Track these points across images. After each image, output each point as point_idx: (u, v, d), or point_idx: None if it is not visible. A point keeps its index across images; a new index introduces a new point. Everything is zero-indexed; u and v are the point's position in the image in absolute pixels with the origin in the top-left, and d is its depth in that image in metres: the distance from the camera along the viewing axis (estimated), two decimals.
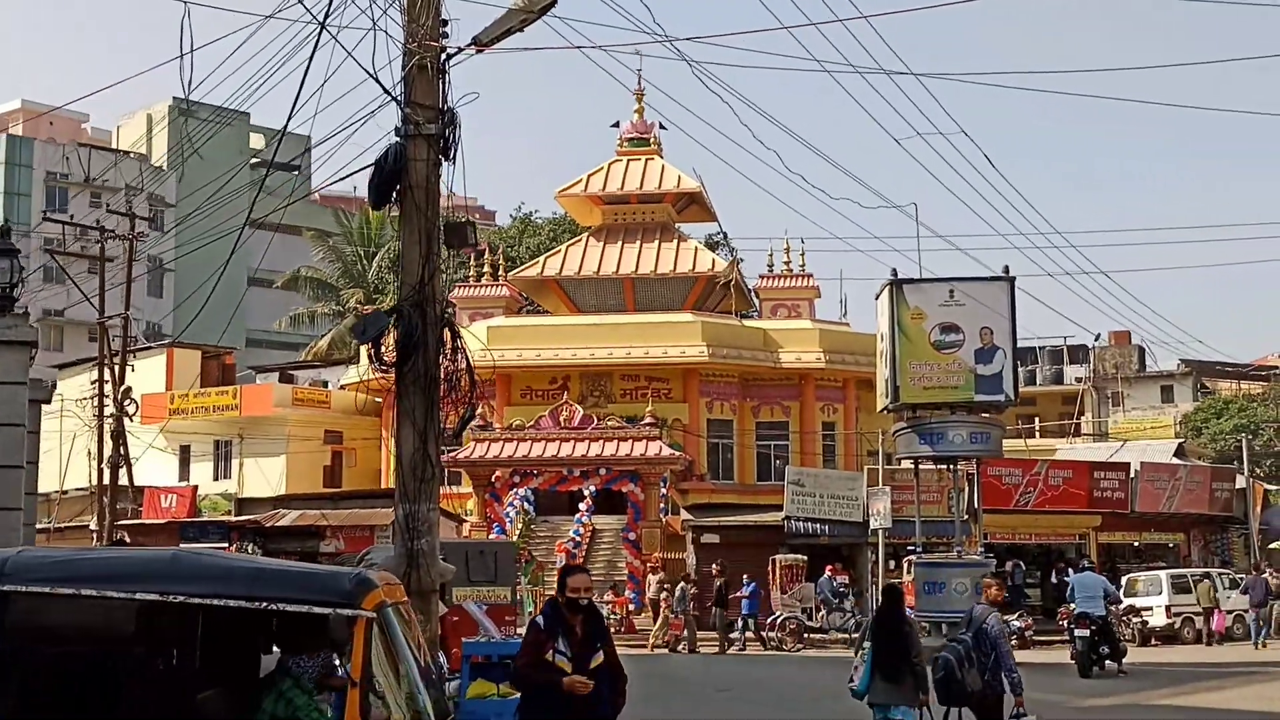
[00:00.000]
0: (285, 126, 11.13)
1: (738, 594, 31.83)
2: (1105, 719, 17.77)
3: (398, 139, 10.84)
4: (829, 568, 34.18)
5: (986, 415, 26.17)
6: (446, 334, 10.94)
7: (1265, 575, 32.89)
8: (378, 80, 10.59)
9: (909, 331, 25.47)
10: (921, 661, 11.09)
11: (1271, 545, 44.52)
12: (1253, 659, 26.20)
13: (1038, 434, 64.49)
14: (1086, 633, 22.83)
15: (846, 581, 34.74)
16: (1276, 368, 71.21)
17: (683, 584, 31.63)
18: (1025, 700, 11.04)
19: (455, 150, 10.86)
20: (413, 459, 10.66)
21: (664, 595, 31.79)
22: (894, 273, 25.71)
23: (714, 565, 32.83)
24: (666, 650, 30.54)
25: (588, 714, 7.54)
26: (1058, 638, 29.43)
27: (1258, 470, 48.65)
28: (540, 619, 7.79)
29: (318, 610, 5.84)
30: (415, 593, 10.58)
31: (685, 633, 30.80)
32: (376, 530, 34.94)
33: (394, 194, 10.89)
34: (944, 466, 29.97)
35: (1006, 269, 25.88)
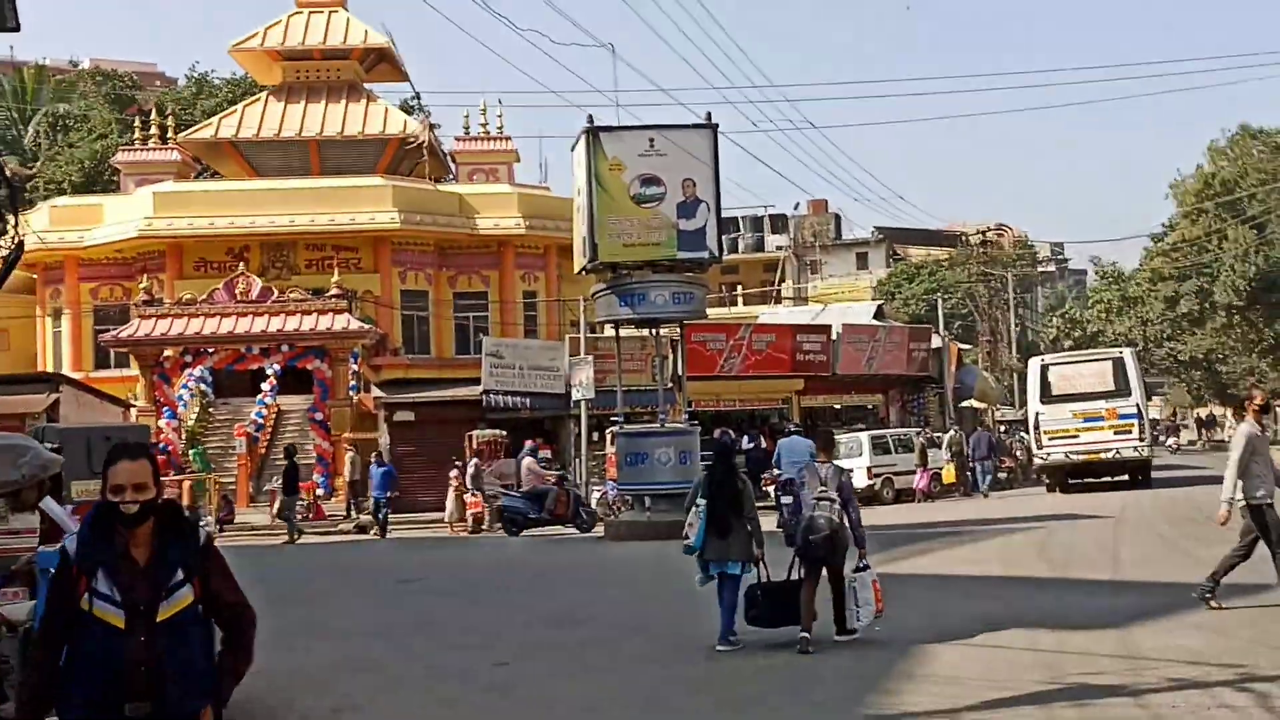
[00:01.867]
0: None
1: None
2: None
3: None
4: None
5: (690, 275, 24.57)
6: None
7: (1001, 431, 34.92)
8: None
9: (607, 184, 23.49)
10: (756, 516, 11.56)
11: (963, 403, 45.48)
12: (959, 516, 25.95)
13: (740, 301, 64.70)
14: (792, 499, 21.76)
15: (549, 456, 33.14)
16: (964, 234, 73.41)
17: (476, 461, 29.68)
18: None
19: None
20: None
21: (454, 475, 29.73)
22: (590, 119, 23.60)
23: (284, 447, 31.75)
24: (466, 533, 28.65)
25: (147, 698, 4.49)
26: (762, 505, 28.58)
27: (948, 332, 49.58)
28: (71, 541, 4.71)
29: None
30: None
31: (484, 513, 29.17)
32: (28, 417, 31.24)
33: None
34: (646, 332, 28.50)
35: (709, 115, 24.15)
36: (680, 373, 30.73)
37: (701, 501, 11.52)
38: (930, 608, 13.12)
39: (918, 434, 34.78)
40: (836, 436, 33.98)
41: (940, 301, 48.89)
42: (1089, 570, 15.98)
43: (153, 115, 48.68)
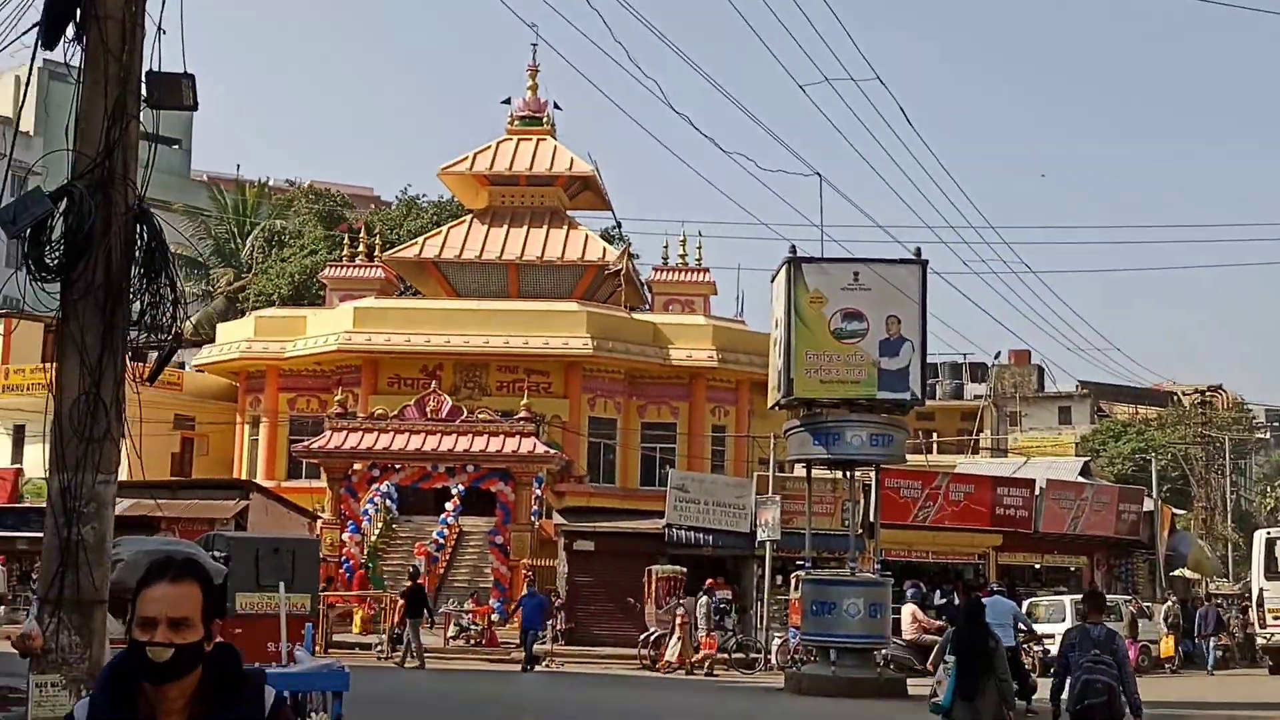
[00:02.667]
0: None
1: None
2: None
3: None
4: (710, 581, 31.16)
5: (889, 416, 23.25)
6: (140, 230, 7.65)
7: (1218, 605, 32.90)
8: None
9: (807, 317, 22.46)
10: (1009, 677, 11.24)
11: (1175, 572, 42.53)
12: (1175, 696, 23.70)
13: (935, 449, 62.58)
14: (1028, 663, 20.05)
15: (729, 597, 31.76)
16: (1175, 393, 70.11)
17: (705, 597, 28.35)
18: None
19: None
20: (76, 407, 7.34)
21: (680, 612, 28.19)
22: (792, 250, 22.71)
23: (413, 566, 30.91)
24: (698, 673, 26.94)
25: None
26: None
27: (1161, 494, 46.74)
28: (82, 708, 3.31)
29: None
30: (71, 603, 7.28)
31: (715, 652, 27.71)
32: (218, 523, 31.45)
33: (74, 27, 7.59)
34: (839, 474, 27.13)
35: (918, 251, 23.03)
36: (873, 519, 29.15)
37: (950, 659, 11.06)
38: None
39: (1126, 602, 32.38)
40: (1039, 599, 32.16)
41: (1153, 461, 46.13)
42: None
43: (361, 234, 49.84)
